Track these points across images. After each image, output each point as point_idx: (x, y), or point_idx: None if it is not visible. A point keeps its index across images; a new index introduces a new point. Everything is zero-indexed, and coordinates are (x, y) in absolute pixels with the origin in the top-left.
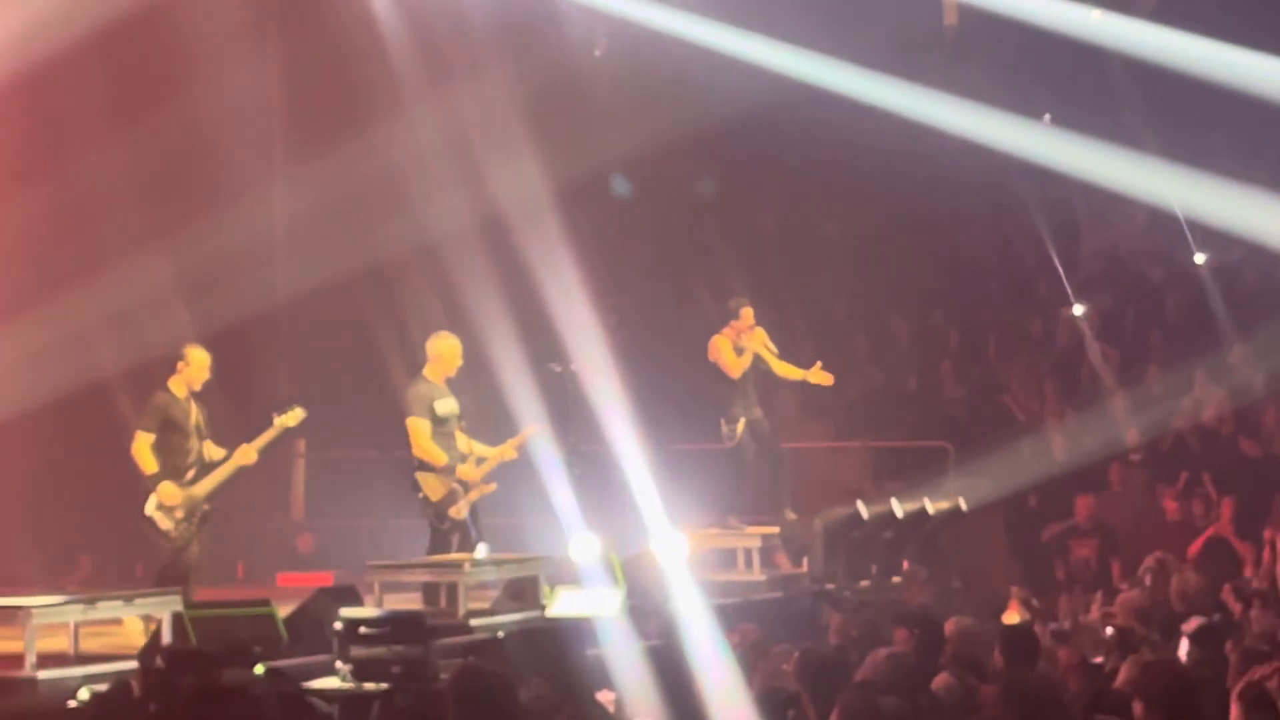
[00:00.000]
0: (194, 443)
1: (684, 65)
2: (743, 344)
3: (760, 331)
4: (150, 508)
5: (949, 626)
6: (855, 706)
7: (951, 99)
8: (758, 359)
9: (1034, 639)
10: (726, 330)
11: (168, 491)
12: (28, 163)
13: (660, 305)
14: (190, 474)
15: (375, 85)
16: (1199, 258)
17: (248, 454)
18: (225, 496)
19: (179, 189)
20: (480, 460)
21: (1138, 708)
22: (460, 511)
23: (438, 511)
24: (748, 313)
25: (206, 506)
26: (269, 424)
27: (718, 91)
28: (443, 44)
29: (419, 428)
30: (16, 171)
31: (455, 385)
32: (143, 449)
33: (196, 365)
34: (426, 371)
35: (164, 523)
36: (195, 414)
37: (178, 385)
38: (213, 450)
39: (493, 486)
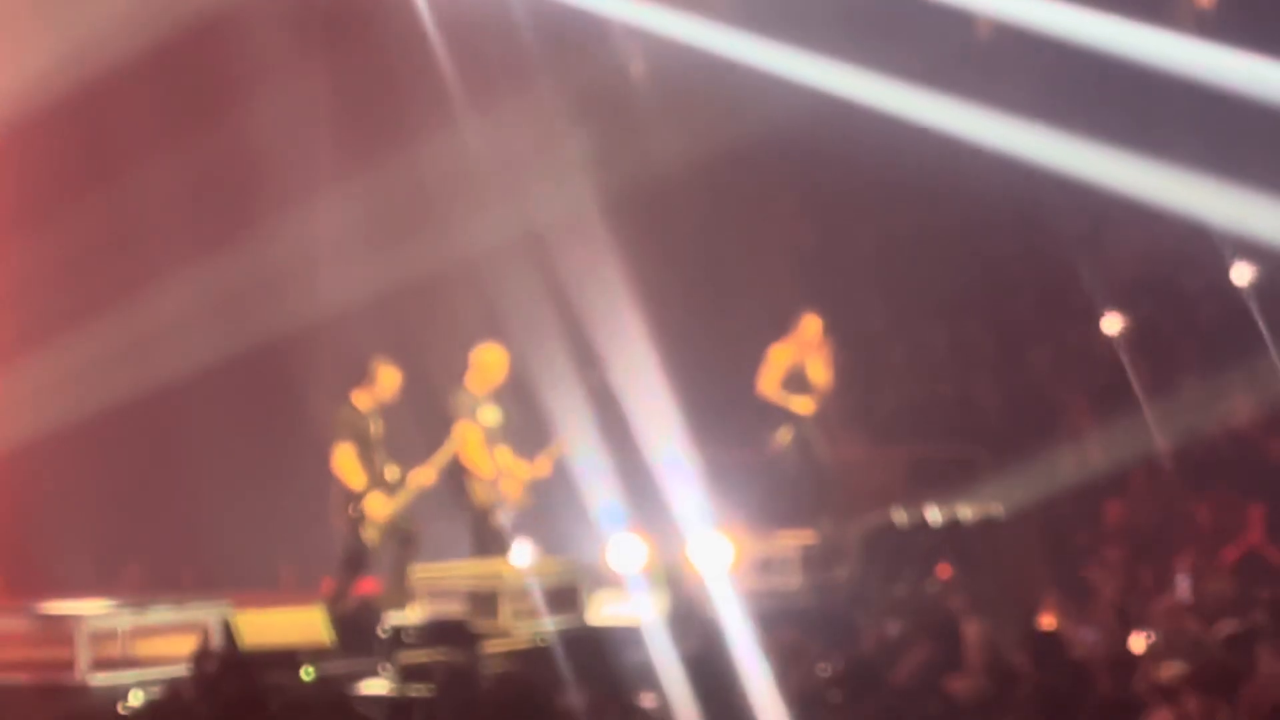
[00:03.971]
0: (380, 457)
1: (723, 80)
2: (803, 359)
3: (826, 348)
4: (359, 519)
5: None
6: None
7: (986, 111)
8: (807, 373)
9: (1061, 644)
10: (788, 341)
11: (374, 504)
12: (77, 179)
13: (701, 314)
14: (384, 488)
15: (421, 101)
16: (1240, 274)
17: (428, 478)
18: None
19: (227, 204)
20: (514, 476)
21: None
22: (499, 520)
23: (479, 517)
24: (807, 324)
25: (406, 520)
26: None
27: (755, 104)
28: (487, 58)
29: (468, 433)
30: (66, 187)
31: (498, 395)
32: (347, 462)
33: (385, 381)
34: (466, 381)
35: (371, 533)
36: (378, 429)
37: (361, 399)
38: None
39: (529, 500)
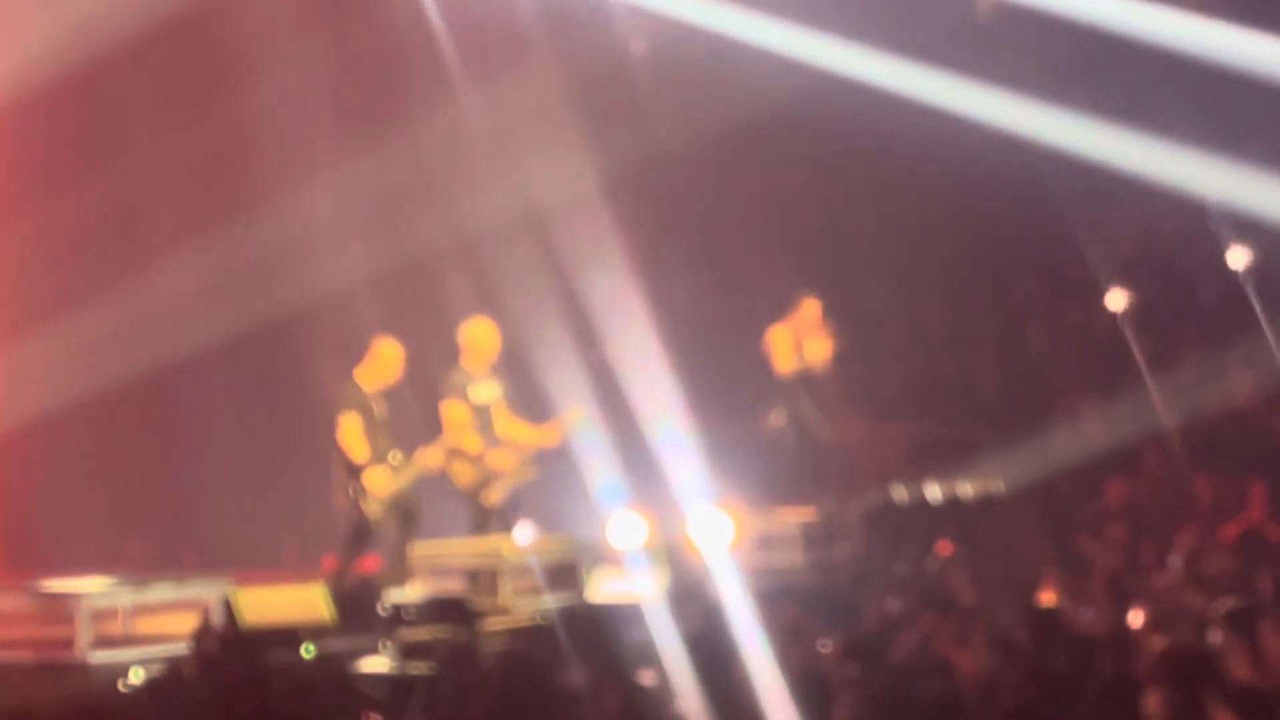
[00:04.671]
0: (384, 436)
1: (724, 58)
2: (803, 339)
3: (825, 330)
4: (359, 494)
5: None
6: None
7: (987, 88)
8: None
9: (1061, 621)
10: (788, 323)
11: (378, 479)
12: (78, 158)
13: (702, 293)
14: (387, 464)
15: (422, 79)
16: (1237, 258)
17: (434, 459)
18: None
19: (227, 184)
20: (518, 446)
21: (1159, 694)
22: (493, 497)
23: (470, 498)
24: (808, 307)
25: (409, 497)
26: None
27: (756, 82)
28: (488, 37)
29: (453, 414)
30: (68, 167)
31: (497, 371)
32: (352, 433)
33: (383, 359)
34: (462, 360)
35: (372, 508)
36: (382, 410)
37: (364, 376)
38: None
39: (532, 472)
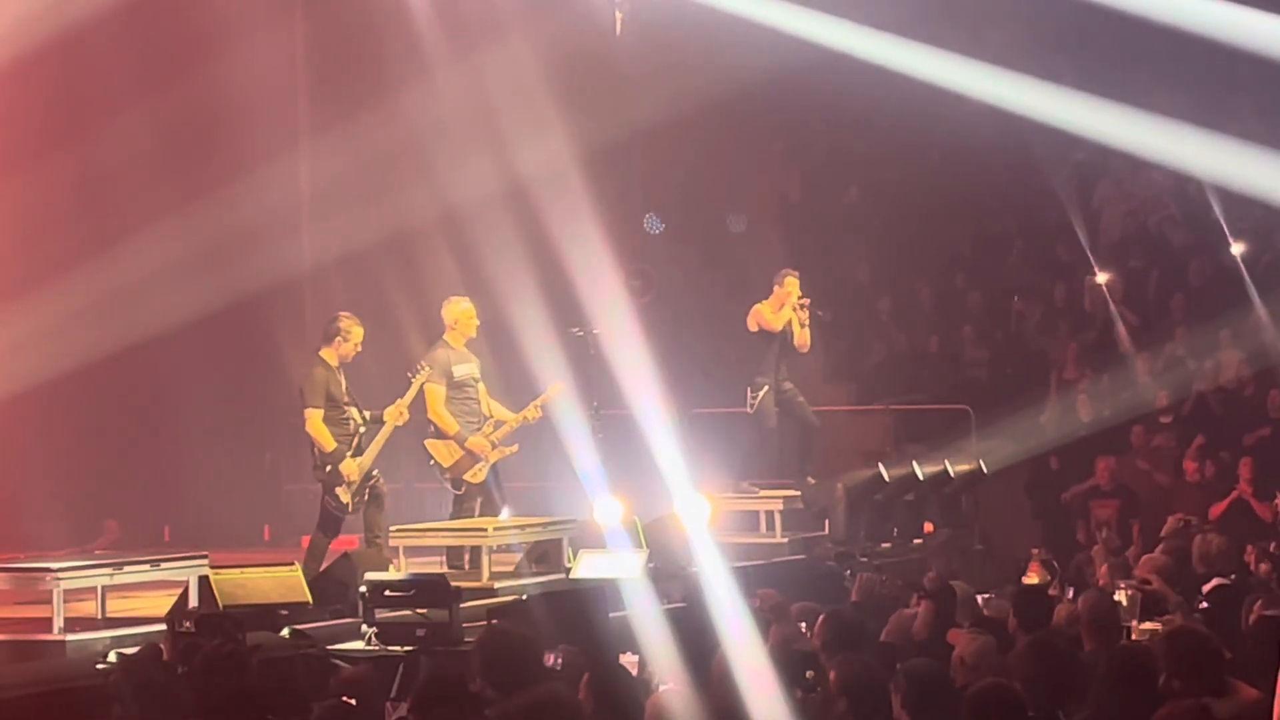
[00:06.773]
0: (351, 412)
1: (706, 30)
2: (785, 314)
3: (808, 305)
4: (332, 482)
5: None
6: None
7: (974, 63)
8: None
9: (1047, 600)
10: (770, 300)
11: (348, 467)
12: (54, 131)
13: (684, 270)
14: (355, 443)
15: (399, 53)
16: (1227, 234)
17: (400, 415)
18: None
19: (204, 157)
20: (499, 424)
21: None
22: (477, 476)
23: (451, 478)
24: (792, 283)
25: (375, 476)
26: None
27: (740, 56)
28: (466, 10)
29: (434, 393)
30: (42, 140)
31: (476, 348)
32: (319, 426)
33: (355, 336)
34: (446, 336)
35: (344, 496)
36: (345, 382)
37: (331, 356)
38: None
39: (514, 449)
